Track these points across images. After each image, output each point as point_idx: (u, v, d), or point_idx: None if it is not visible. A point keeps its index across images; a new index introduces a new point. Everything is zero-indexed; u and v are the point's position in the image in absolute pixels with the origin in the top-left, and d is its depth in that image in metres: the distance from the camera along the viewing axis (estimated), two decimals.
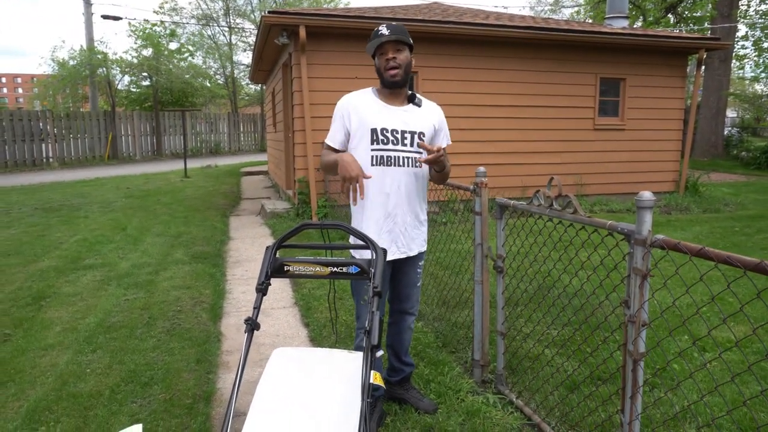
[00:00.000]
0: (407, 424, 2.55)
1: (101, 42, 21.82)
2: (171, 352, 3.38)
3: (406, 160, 2.38)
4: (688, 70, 9.87)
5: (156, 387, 2.93)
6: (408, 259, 2.50)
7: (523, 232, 2.84)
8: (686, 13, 20.99)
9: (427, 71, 8.10)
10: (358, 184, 2.21)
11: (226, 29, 28.41)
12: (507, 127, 8.68)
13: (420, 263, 2.58)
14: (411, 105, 2.44)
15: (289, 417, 1.57)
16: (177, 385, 2.95)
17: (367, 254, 2.12)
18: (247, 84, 30.09)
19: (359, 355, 1.76)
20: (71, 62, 20.50)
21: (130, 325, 3.81)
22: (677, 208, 8.72)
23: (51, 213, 8.40)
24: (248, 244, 6.50)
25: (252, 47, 17.78)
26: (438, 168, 2.38)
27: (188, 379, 3.03)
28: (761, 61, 21.85)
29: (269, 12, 7.24)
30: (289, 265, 1.86)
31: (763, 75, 22.77)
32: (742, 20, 20.99)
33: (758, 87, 36.69)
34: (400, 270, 2.54)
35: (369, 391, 1.53)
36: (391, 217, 2.39)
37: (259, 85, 22.89)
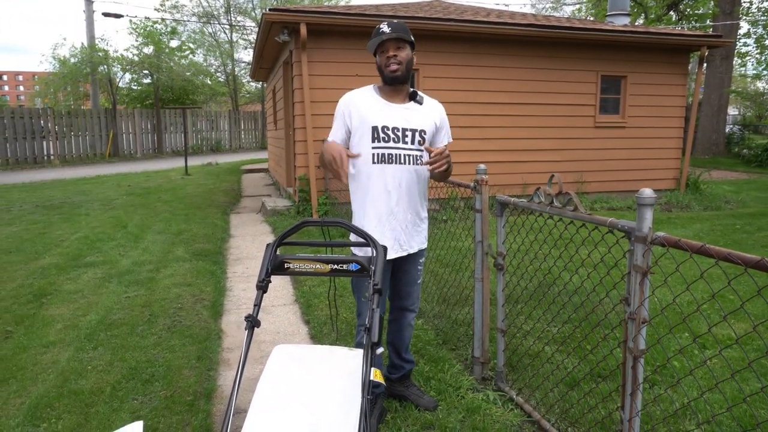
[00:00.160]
0: (407, 421, 2.56)
1: (102, 39, 21.81)
2: (172, 349, 3.38)
3: (407, 157, 2.38)
4: (689, 67, 9.85)
5: (157, 384, 2.93)
6: (409, 256, 2.51)
7: (524, 229, 2.84)
8: (688, 10, 20.93)
9: (428, 69, 8.08)
10: (341, 162, 2.18)
11: (227, 27, 28.38)
12: (508, 124, 8.67)
13: (421, 260, 2.58)
14: (412, 102, 2.44)
15: (289, 414, 1.58)
16: (178, 382, 2.96)
17: (367, 251, 2.12)
18: (248, 82, 30.08)
19: (360, 352, 1.76)
20: (72, 60, 20.50)
21: (131, 322, 3.82)
22: (678, 206, 8.71)
23: (52, 210, 8.41)
24: (249, 242, 6.50)
25: (253, 45, 17.75)
26: (443, 170, 2.37)
27: (189, 376, 3.04)
28: (763, 58, 21.80)
29: (270, 9, 7.23)
30: (289, 263, 1.86)
31: (765, 72, 22.72)
32: (744, 17, 20.92)
33: (760, 84, 36.61)
34: (400, 267, 2.54)
35: (369, 388, 1.53)
36: (392, 215, 2.39)
37: (260, 82, 22.87)
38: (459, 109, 8.11)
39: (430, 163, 2.23)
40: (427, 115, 2.44)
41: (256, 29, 21.35)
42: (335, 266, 1.85)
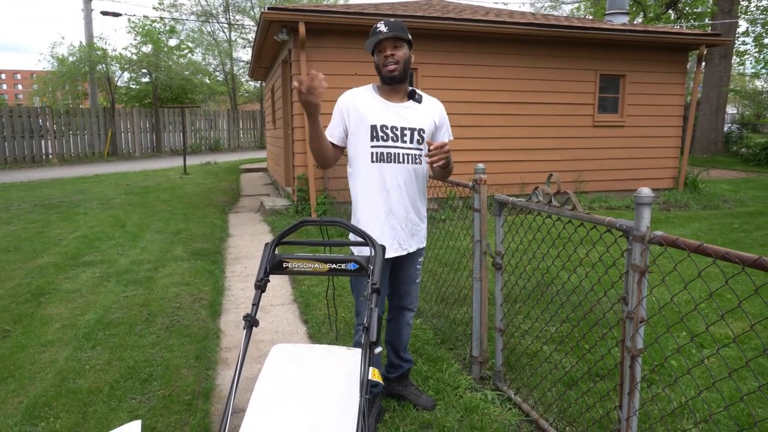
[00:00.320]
0: (405, 421, 2.56)
1: (101, 38, 21.81)
2: (170, 348, 3.38)
3: (405, 156, 2.37)
4: (688, 66, 9.86)
5: (155, 383, 2.93)
6: (407, 255, 2.51)
7: (522, 228, 2.84)
8: (687, 9, 20.95)
9: (427, 68, 8.08)
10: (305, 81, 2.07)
11: (226, 26, 28.35)
12: (506, 123, 8.67)
13: (419, 260, 2.58)
14: (411, 101, 2.44)
15: (287, 413, 1.58)
16: (176, 381, 2.96)
17: (366, 251, 2.12)
18: (247, 81, 30.05)
19: (358, 351, 1.76)
20: (71, 59, 20.46)
21: (130, 321, 3.81)
22: (676, 205, 8.72)
23: (50, 209, 8.40)
24: (247, 241, 6.50)
25: (251, 44, 17.73)
26: (442, 165, 2.36)
27: (187, 375, 3.04)
28: (762, 57, 21.82)
29: (269, 8, 7.22)
30: (287, 262, 1.86)
31: (763, 71, 22.75)
32: (742, 16, 20.95)
33: (758, 83, 36.65)
34: (399, 266, 2.54)
35: (367, 388, 1.53)
36: (391, 214, 2.39)
37: (259, 81, 22.85)
38: (457, 108, 8.11)
39: (429, 157, 2.22)
40: (426, 113, 2.44)
41: (255, 28, 21.34)
42: (334, 266, 1.85)
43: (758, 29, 21.63)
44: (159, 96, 21.58)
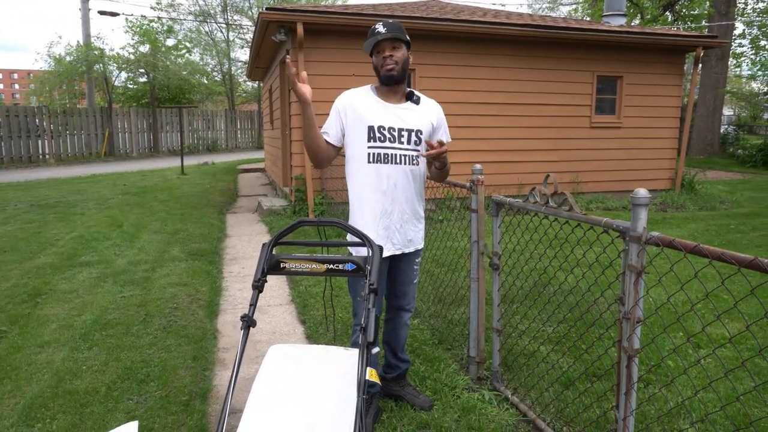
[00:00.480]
0: (403, 421, 2.56)
1: (98, 38, 21.81)
2: (167, 349, 3.38)
3: (403, 157, 2.38)
4: (685, 67, 9.89)
5: (152, 384, 2.93)
6: (405, 256, 2.51)
7: (519, 229, 2.85)
8: (684, 11, 21.02)
9: (425, 68, 8.09)
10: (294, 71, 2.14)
11: (224, 26, 28.33)
12: (504, 124, 8.68)
13: (417, 260, 2.59)
14: (409, 102, 2.44)
15: (285, 414, 1.58)
16: (173, 382, 2.96)
17: (363, 251, 2.13)
18: (245, 81, 30.05)
19: (355, 351, 1.76)
20: (68, 58, 20.41)
21: (127, 322, 3.81)
22: (673, 206, 8.75)
23: (47, 210, 8.38)
24: (245, 242, 6.49)
25: (249, 44, 17.70)
26: (439, 165, 2.37)
27: (184, 376, 3.03)
28: (758, 59, 21.91)
29: (267, 8, 7.22)
30: (285, 262, 1.86)
31: (759, 73, 22.83)
32: (739, 18, 21.03)
33: (755, 85, 36.77)
34: (396, 267, 2.54)
35: (365, 388, 1.53)
36: (388, 215, 2.40)
37: (257, 82, 22.83)
38: (455, 109, 8.12)
39: (429, 154, 2.22)
40: (424, 114, 2.45)
41: (253, 28, 21.31)
42: (331, 266, 1.85)
43: (755, 31, 21.72)
44: (156, 96, 21.55)
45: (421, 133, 2.41)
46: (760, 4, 22.24)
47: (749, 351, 3.27)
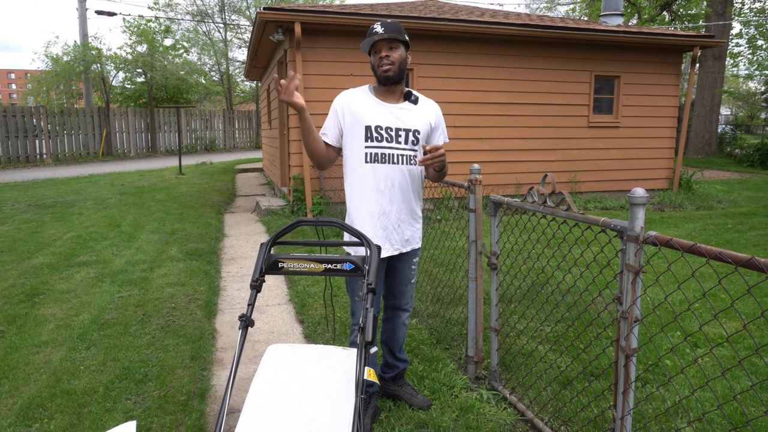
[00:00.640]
0: (401, 420, 2.56)
1: (95, 38, 21.79)
2: (165, 349, 3.37)
3: (400, 157, 2.38)
4: (682, 67, 9.91)
5: (150, 384, 2.92)
6: (402, 255, 2.51)
7: (517, 229, 2.86)
8: (681, 10, 21.07)
9: (422, 68, 8.10)
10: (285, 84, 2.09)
11: (222, 26, 28.30)
12: (502, 124, 8.69)
13: (414, 260, 2.59)
14: (407, 102, 2.44)
15: (283, 413, 1.58)
16: (171, 382, 2.95)
17: (361, 251, 2.13)
18: (243, 81, 30.02)
19: (353, 351, 1.77)
20: (65, 58, 20.37)
21: (125, 322, 3.80)
22: (671, 206, 8.77)
23: (44, 210, 8.36)
24: (243, 241, 6.49)
25: (247, 44, 17.68)
26: (438, 167, 2.36)
27: (182, 376, 3.03)
28: (755, 58, 21.97)
29: (264, 8, 7.21)
30: (283, 262, 1.86)
31: (756, 72, 22.90)
32: (736, 18, 21.08)
33: (752, 84, 36.87)
34: (394, 267, 2.54)
35: (363, 388, 1.54)
36: (386, 215, 2.40)
37: (255, 81, 22.82)
38: (453, 108, 8.13)
39: (425, 160, 2.22)
40: (422, 114, 2.45)
41: (251, 28, 21.29)
42: (329, 266, 1.85)
43: (751, 31, 21.78)
44: (154, 96, 21.51)
45: (419, 133, 2.41)
46: (757, 4, 22.35)
47: (746, 350, 3.28)
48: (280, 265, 1.86)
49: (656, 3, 19.95)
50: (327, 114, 2.48)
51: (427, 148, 2.20)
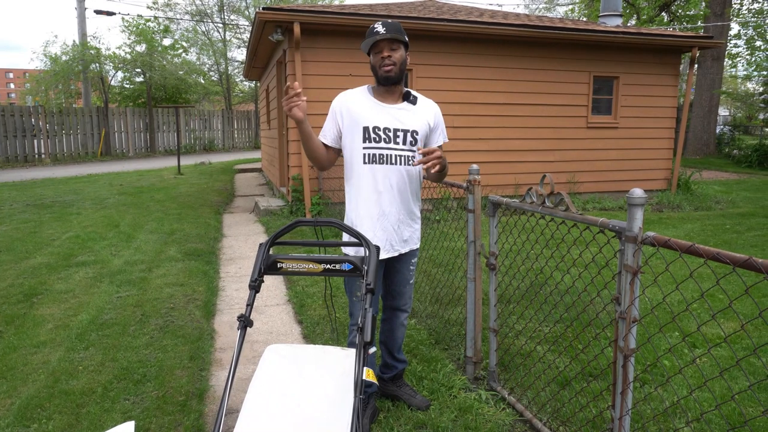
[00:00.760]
0: (400, 421, 2.56)
1: (94, 37, 21.71)
2: (164, 349, 3.37)
3: (398, 158, 2.38)
4: (681, 68, 9.93)
5: (149, 384, 2.92)
6: (401, 256, 2.51)
7: (516, 229, 2.86)
8: (680, 11, 21.09)
9: (422, 69, 8.10)
10: (292, 94, 2.09)
11: (221, 25, 28.28)
12: (500, 124, 8.70)
13: (413, 261, 2.59)
14: (406, 103, 2.44)
15: (282, 414, 1.58)
16: (170, 382, 2.95)
17: (360, 251, 2.13)
18: (242, 81, 29.99)
19: (352, 351, 1.77)
20: (64, 58, 20.35)
21: (123, 322, 3.80)
22: (669, 206, 8.78)
23: (43, 209, 8.35)
24: (242, 242, 6.49)
25: (246, 44, 17.67)
26: (437, 169, 2.34)
27: (181, 376, 3.03)
28: (753, 59, 22.01)
29: (264, 8, 7.21)
30: (282, 262, 1.86)
31: (755, 73, 22.93)
32: (734, 19, 21.13)
33: (750, 85, 36.93)
34: (393, 267, 2.54)
35: (362, 388, 1.54)
36: (384, 215, 2.40)
37: (254, 82, 22.81)
38: (452, 109, 8.13)
39: (423, 163, 2.22)
40: (421, 115, 2.45)
41: (250, 28, 21.27)
42: (328, 266, 1.85)
43: (750, 32, 21.82)
44: (153, 96, 21.49)
45: (418, 134, 2.41)
46: (755, 5, 22.36)
47: (744, 350, 3.29)
48: (278, 265, 1.87)
49: (655, 4, 19.97)
50: (326, 113, 2.49)
51: (421, 151, 2.20)
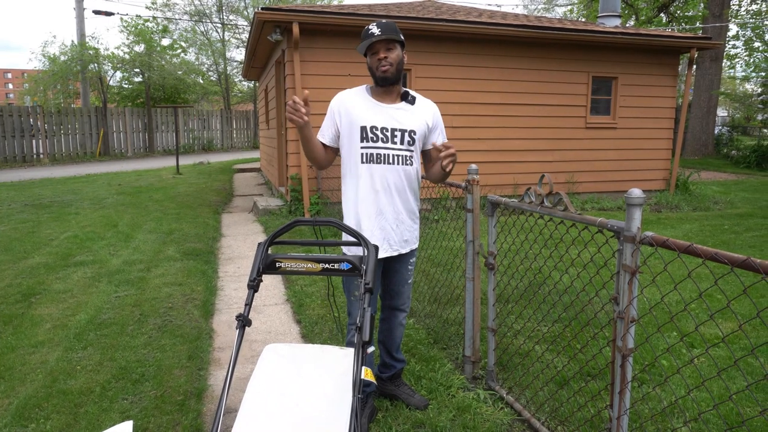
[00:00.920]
0: (398, 420, 2.56)
1: (93, 37, 21.64)
2: (162, 349, 3.37)
3: (396, 157, 2.38)
4: (679, 69, 9.94)
5: (147, 384, 2.92)
6: (399, 256, 2.51)
7: (515, 229, 2.86)
8: (678, 12, 21.13)
9: (420, 69, 8.10)
10: (297, 107, 2.11)
11: (219, 25, 28.26)
12: (499, 124, 8.71)
13: (411, 260, 2.59)
14: (404, 103, 2.44)
15: (280, 413, 1.58)
16: (168, 381, 2.95)
17: (358, 251, 2.13)
18: (240, 81, 29.97)
19: (351, 351, 1.77)
20: (62, 58, 20.32)
21: (121, 322, 3.79)
22: (668, 206, 8.79)
23: (41, 209, 8.33)
24: (240, 241, 6.48)
25: (245, 44, 17.66)
26: (450, 167, 2.28)
27: (179, 375, 3.03)
28: (752, 60, 22.05)
29: (262, 8, 7.21)
30: (280, 262, 1.86)
31: (753, 74, 22.97)
32: (733, 20, 21.16)
33: (748, 86, 36.99)
34: (391, 267, 2.54)
35: (360, 387, 1.54)
36: (382, 215, 2.40)
37: (252, 82, 22.80)
38: (450, 109, 8.13)
39: (439, 151, 2.19)
40: (419, 115, 2.45)
41: (249, 28, 21.28)
42: (327, 265, 1.85)
43: (748, 33, 21.86)
44: (151, 96, 21.47)
45: (415, 134, 2.41)
46: (754, 6, 22.40)
47: (742, 350, 3.29)
48: (277, 264, 1.87)
49: (654, 4, 20.01)
50: (324, 113, 2.49)
51: (439, 145, 2.19)
